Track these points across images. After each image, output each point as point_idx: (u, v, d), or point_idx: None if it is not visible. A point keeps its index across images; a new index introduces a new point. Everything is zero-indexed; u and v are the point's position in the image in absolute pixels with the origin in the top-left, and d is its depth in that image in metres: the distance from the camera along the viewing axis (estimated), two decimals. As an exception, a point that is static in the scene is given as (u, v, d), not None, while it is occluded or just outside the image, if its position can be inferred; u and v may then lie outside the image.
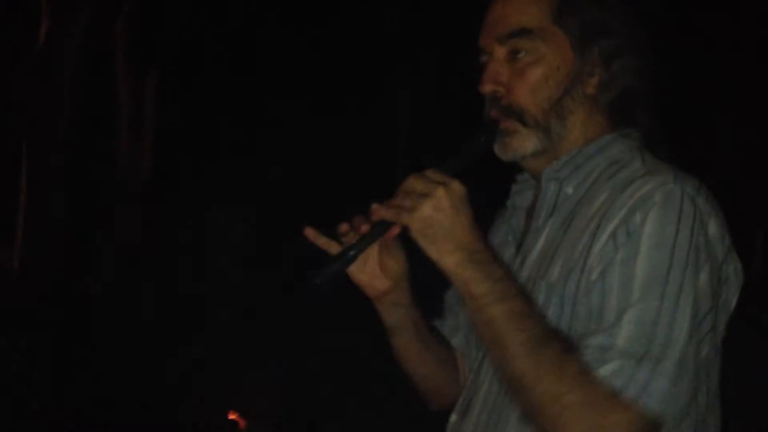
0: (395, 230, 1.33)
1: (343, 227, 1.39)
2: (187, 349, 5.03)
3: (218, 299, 5.32)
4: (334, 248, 1.37)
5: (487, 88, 1.34)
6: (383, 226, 1.33)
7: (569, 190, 1.36)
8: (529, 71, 1.32)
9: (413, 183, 1.27)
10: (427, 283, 1.48)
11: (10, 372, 4.52)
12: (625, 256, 1.22)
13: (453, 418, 1.42)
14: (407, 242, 1.32)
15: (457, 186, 1.26)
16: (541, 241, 1.36)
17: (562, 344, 1.22)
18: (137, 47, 6.40)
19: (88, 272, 5.18)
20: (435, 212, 1.26)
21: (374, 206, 1.31)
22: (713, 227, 1.25)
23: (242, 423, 4.63)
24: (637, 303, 1.20)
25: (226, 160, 6.28)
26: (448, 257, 1.26)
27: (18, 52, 5.52)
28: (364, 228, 1.34)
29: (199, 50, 6.62)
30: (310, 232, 1.41)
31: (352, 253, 1.34)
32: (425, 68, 7.27)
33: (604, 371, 1.18)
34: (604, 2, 1.35)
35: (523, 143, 1.33)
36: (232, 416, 4.64)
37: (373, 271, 1.45)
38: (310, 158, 6.34)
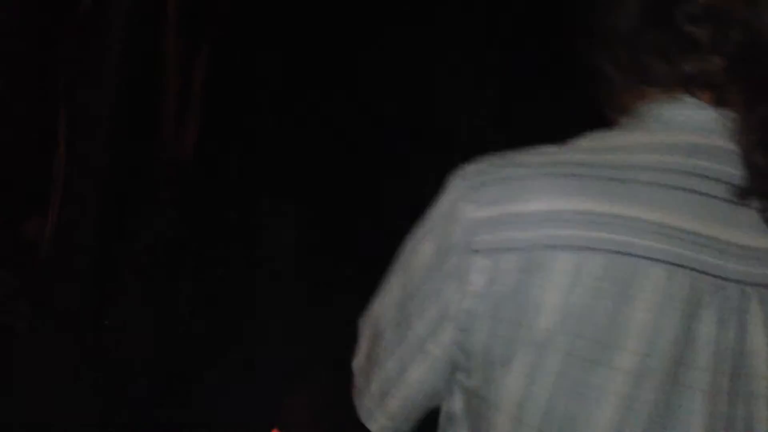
0: None
1: None
2: (226, 354, 4.58)
3: (265, 300, 4.87)
4: None
5: None
6: None
7: None
8: None
9: None
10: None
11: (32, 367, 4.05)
12: None
13: None
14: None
15: None
16: None
17: None
18: (189, 17, 5.96)
19: (122, 257, 4.68)
20: None
21: None
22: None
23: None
24: None
25: (280, 145, 5.79)
26: None
27: (64, 11, 5.11)
28: None
29: (257, 25, 6.14)
30: None
31: None
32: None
33: None
34: None
35: None
36: (273, 432, 4.32)
37: None
38: (367, 150, 5.84)
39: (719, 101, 0.95)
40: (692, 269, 0.89)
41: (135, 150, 5.11)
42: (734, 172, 0.92)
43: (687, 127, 0.94)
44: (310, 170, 5.68)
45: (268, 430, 4.26)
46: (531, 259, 0.89)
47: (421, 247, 0.97)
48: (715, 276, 0.89)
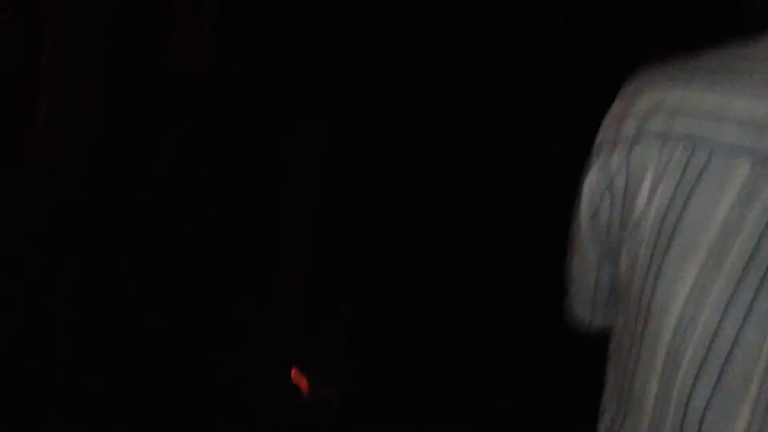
0: None
1: None
2: (244, 293, 4.20)
3: (289, 234, 4.48)
4: None
5: None
6: None
7: None
8: None
9: None
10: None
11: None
12: None
13: None
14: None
15: None
16: None
17: None
18: None
19: (129, 184, 4.29)
20: None
21: None
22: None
23: (305, 385, 4.02)
24: None
25: (305, 58, 5.28)
26: None
27: None
28: None
29: None
30: None
31: None
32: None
33: None
34: None
35: None
36: (294, 377, 4.05)
37: None
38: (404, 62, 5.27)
39: None
40: None
41: (139, 63, 4.65)
42: None
43: None
44: (347, 84, 5.16)
45: (289, 369, 4.03)
46: (630, 151, 0.94)
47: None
48: None
